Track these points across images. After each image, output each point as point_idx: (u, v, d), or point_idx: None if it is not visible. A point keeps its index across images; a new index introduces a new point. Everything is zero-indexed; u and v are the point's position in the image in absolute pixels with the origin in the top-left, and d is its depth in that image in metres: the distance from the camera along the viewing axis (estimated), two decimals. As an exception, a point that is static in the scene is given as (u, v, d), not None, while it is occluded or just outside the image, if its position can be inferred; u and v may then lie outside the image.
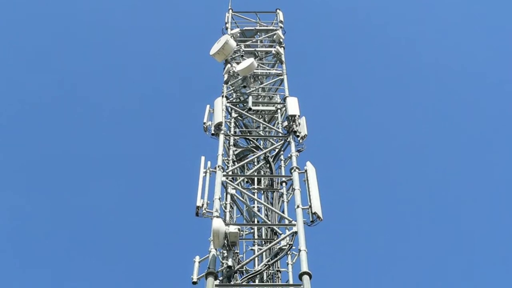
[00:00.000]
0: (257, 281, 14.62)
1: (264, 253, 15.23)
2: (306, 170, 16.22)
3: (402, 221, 36.41)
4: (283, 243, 14.85)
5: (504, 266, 33.72)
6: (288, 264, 14.74)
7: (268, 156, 17.65)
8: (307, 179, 15.94)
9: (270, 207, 16.24)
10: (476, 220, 36.62)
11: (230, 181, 16.36)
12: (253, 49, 22.05)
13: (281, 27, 22.79)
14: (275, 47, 21.90)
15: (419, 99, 40.04)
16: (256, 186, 17.30)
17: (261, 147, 18.27)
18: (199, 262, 14.13)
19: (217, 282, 13.65)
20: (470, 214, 36.69)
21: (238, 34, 22.49)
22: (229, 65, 20.56)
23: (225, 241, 14.29)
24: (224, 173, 16.34)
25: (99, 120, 39.48)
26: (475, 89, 40.16)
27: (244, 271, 14.68)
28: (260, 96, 20.40)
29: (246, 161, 17.80)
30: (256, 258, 15.17)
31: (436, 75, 40.54)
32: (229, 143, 17.91)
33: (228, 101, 19.39)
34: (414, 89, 40.55)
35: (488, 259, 35.13)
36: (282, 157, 17.60)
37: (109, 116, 39.52)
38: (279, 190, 16.68)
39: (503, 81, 38.54)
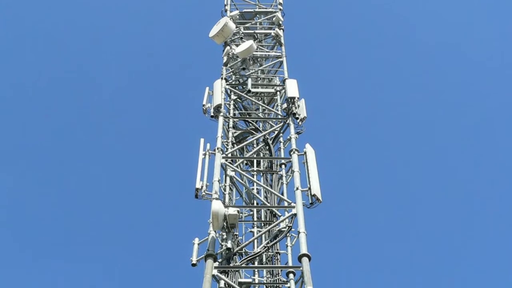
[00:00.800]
0: (256, 263, 14.67)
1: (263, 235, 15.28)
2: (305, 152, 16.29)
3: (401, 203, 36.49)
4: (282, 225, 14.89)
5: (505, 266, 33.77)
6: (287, 246, 14.75)
7: (267, 138, 17.70)
8: (306, 161, 16.01)
9: (270, 189, 16.28)
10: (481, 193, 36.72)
11: (230, 163, 16.40)
12: (252, 31, 22.01)
13: (280, 9, 22.72)
14: (274, 29, 21.85)
15: (420, 79, 39.99)
16: (255, 168, 17.33)
17: (261, 129, 18.30)
18: (198, 244, 14.19)
19: (216, 264, 13.74)
20: (472, 193, 36.78)
21: (237, 16, 22.44)
22: (228, 47, 20.55)
23: (224, 223, 14.38)
24: (224, 155, 16.40)
25: (98, 100, 39.48)
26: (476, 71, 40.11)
27: (243, 253, 14.73)
28: (259, 78, 20.36)
29: (245, 143, 17.89)
30: (256, 240, 15.22)
31: (435, 56, 40.51)
32: (228, 125, 17.94)
33: (228, 83, 19.37)
34: (415, 70, 40.53)
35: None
36: (281, 139, 17.64)
37: (107, 97, 39.50)
38: (279, 172, 16.71)
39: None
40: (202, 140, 16.50)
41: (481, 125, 38.23)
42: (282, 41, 21.38)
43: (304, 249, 13.79)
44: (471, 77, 39.87)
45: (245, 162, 17.68)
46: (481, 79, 39.37)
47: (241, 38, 21.26)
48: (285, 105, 18.31)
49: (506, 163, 36.41)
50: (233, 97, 19.07)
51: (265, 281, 14.70)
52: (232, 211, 14.46)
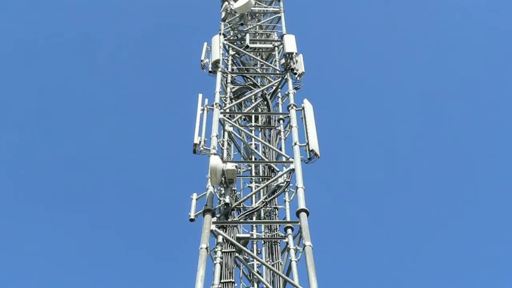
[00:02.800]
0: (254, 218, 14.81)
1: (261, 191, 15.35)
2: (303, 108, 16.38)
3: (401, 157, 36.62)
4: (280, 180, 14.98)
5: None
6: (285, 201, 14.80)
7: (265, 94, 17.74)
8: (305, 117, 16.09)
9: (268, 144, 16.34)
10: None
11: (228, 118, 16.47)
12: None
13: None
14: (272, -16, 21.78)
15: (422, 32, 39.84)
16: (253, 124, 17.40)
17: (259, 84, 18.37)
18: (196, 199, 14.25)
19: (214, 219, 13.85)
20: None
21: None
22: (226, 3, 20.54)
23: (223, 178, 14.46)
24: (222, 110, 16.47)
25: (96, 57, 39.44)
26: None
27: (241, 208, 14.80)
28: (257, 34, 20.37)
29: (243, 98, 17.95)
30: (254, 196, 15.38)
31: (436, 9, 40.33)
32: (226, 80, 17.96)
33: (226, 38, 19.39)
34: (417, 24, 40.35)
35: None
36: (279, 94, 17.70)
37: (106, 53, 39.40)
38: (277, 128, 16.79)
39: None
40: (200, 96, 16.55)
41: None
42: (281, -4, 21.26)
43: (302, 204, 13.91)
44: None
45: (243, 117, 17.73)
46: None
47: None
48: (283, 61, 18.32)
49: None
50: (231, 52, 19.08)
51: (263, 236, 14.81)
52: (230, 166, 14.53)
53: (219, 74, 17.71)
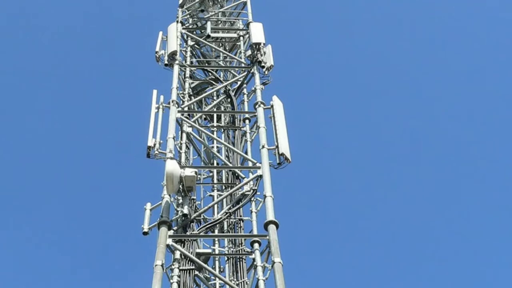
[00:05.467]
0: (216, 231, 14.65)
1: (224, 200, 15.23)
2: (272, 106, 16.30)
3: (382, 161, 36.49)
4: (246, 188, 14.85)
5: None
6: (251, 212, 14.67)
7: (229, 90, 17.66)
8: (274, 116, 16.02)
9: (232, 147, 16.24)
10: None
11: (186, 117, 16.30)
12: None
13: None
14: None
15: (401, 21, 39.78)
16: (215, 124, 17.31)
17: (221, 79, 18.30)
18: (150, 209, 14.13)
19: (171, 232, 13.67)
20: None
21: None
22: (185, -14, 20.58)
23: (180, 186, 14.28)
24: (179, 108, 16.36)
25: (32, 47, 38.69)
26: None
27: (202, 220, 14.64)
28: (220, 22, 20.36)
29: (204, 95, 17.83)
30: (216, 206, 15.26)
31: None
32: (184, 74, 17.87)
33: (184, 27, 19.35)
34: (396, 12, 40.23)
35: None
36: (245, 90, 17.59)
37: (50, 42, 38.74)
38: (242, 128, 16.68)
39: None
40: (154, 92, 16.42)
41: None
42: (246, -21, 21.34)
43: (270, 216, 13.75)
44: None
45: (203, 116, 17.62)
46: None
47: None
48: (249, 52, 18.25)
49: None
50: (190, 42, 19.02)
51: (226, 252, 14.66)
52: (189, 172, 14.32)
53: (176, 68, 17.59)
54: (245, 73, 17.79)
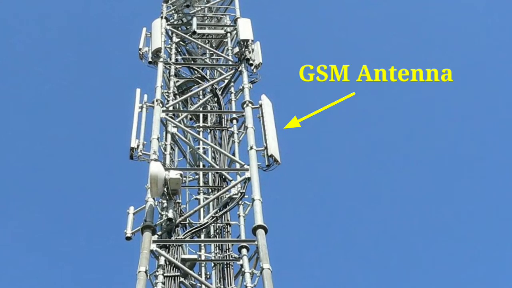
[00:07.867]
0: (202, 236, 14.68)
1: (211, 203, 15.30)
2: (260, 105, 16.32)
3: (370, 162, 36.50)
4: (233, 191, 14.90)
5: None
6: (239, 216, 14.76)
7: (215, 89, 17.67)
8: (262, 116, 16.04)
9: (219, 148, 16.22)
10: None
11: (171, 117, 16.33)
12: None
13: None
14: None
15: (392, 16, 39.88)
16: (201, 124, 17.33)
17: (208, 77, 18.30)
18: (133, 213, 14.10)
19: (155, 237, 13.67)
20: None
21: None
22: (169, -20, 20.59)
23: (165, 189, 14.32)
24: (164, 108, 16.39)
25: (11, 46, 38.60)
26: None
27: (187, 225, 14.67)
28: (206, 18, 20.36)
29: (189, 94, 17.84)
30: (202, 209, 15.33)
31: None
32: (169, 73, 17.89)
33: (169, 23, 19.38)
34: (387, 8, 40.32)
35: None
36: (232, 89, 17.63)
37: (23, 40, 38.68)
38: (229, 129, 16.69)
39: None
40: (138, 91, 16.42)
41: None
42: (233, -28, 21.35)
43: (259, 220, 13.75)
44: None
45: (189, 116, 17.70)
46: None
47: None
48: (236, 49, 18.26)
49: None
50: (175, 39, 19.05)
51: (213, 258, 14.61)
52: (174, 174, 14.34)
53: (160, 65, 17.61)
54: (233, 71, 17.80)
